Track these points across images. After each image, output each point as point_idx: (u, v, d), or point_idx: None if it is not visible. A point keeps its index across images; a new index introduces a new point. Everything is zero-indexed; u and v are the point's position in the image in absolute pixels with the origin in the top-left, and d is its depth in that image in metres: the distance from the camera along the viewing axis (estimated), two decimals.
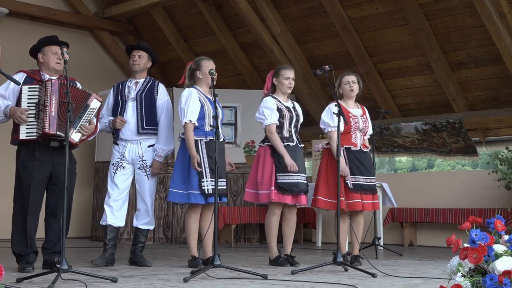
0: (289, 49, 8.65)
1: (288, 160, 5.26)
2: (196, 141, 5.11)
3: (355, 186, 5.43)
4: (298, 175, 5.33)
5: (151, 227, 5.55)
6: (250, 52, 9.38)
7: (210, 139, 5.13)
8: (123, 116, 5.44)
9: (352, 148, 5.49)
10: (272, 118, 5.33)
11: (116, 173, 5.42)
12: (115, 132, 5.50)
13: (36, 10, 9.08)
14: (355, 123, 5.50)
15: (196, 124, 5.12)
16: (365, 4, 7.86)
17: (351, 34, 8.11)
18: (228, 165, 5.37)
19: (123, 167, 5.43)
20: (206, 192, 5.05)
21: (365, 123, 5.59)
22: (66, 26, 9.60)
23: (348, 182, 5.40)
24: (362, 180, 5.47)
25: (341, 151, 5.33)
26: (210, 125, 5.07)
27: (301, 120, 5.57)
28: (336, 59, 8.39)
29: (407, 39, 7.88)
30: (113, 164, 5.45)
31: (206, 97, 5.23)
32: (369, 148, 5.69)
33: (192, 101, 5.11)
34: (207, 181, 5.07)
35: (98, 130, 5.12)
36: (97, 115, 4.99)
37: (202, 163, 5.07)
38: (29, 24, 9.23)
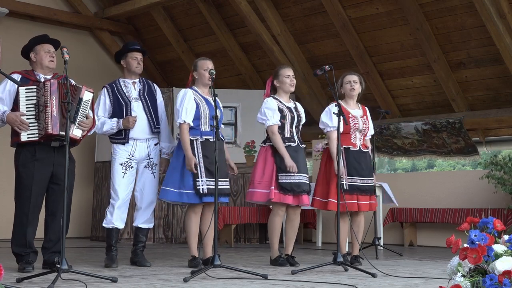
0: (289, 49, 8.65)
1: (289, 161, 5.24)
2: (191, 141, 5.11)
3: (351, 187, 5.41)
4: (300, 175, 5.32)
5: (151, 225, 5.54)
6: (250, 52, 9.38)
7: (205, 139, 5.13)
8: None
9: (351, 149, 5.48)
10: (273, 119, 5.32)
11: (125, 173, 5.34)
12: (123, 132, 5.38)
13: (36, 10, 9.08)
14: (355, 123, 5.49)
15: (192, 124, 5.13)
16: (365, 4, 7.86)
17: (351, 34, 8.11)
18: (229, 168, 5.37)
19: (131, 167, 5.37)
20: (201, 192, 5.04)
21: (365, 124, 5.58)
22: (66, 26, 9.61)
23: (344, 183, 5.38)
24: (359, 181, 5.45)
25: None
26: (211, 125, 5.07)
27: (303, 120, 5.56)
28: (336, 59, 8.39)
29: (407, 39, 7.88)
30: (121, 164, 5.33)
31: (203, 97, 5.23)
32: (369, 148, 5.68)
33: (187, 102, 5.12)
34: (202, 180, 5.06)
35: (96, 122, 5.11)
36: (92, 108, 4.94)
37: (198, 162, 5.08)
38: (29, 24, 9.23)
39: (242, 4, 8.35)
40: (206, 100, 5.21)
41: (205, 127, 5.15)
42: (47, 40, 5.00)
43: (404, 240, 8.02)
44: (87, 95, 4.81)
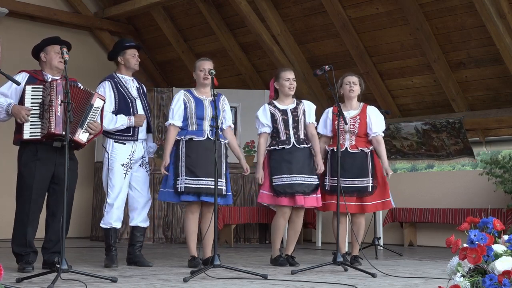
0: (289, 49, 8.65)
1: (257, 173, 5.41)
2: (178, 140, 5.19)
3: (332, 188, 5.41)
4: (293, 176, 5.30)
5: (148, 223, 5.55)
6: (250, 52, 9.38)
7: (189, 138, 5.17)
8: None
9: (335, 150, 5.39)
10: (260, 128, 5.47)
11: (127, 174, 5.32)
12: (131, 130, 5.33)
13: (36, 10, 9.08)
14: (340, 125, 5.38)
15: (180, 125, 5.20)
16: (365, 4, 7.86)
17: (351, 34, 8.11)
18: (245, 169, 5.43)
19: (131, 167, 5.37)
20: (179, 190, 5.08)
21: (354, 124, 5.53)
22: (66, 26, 9.60)
23: (327, 184, 5.46)
24: (340, 181, 5.37)
25: (322, 153, 5.50)
26: (210, 125, 5.09)
27: (303, 120, 5.47)
28: (336, 59, 8.39)
29: (407, 39, 7.88)
30: (122, 165, 5.29)
31: (196, 98, 5.26)
32: (365, 149, 5.55)
33: (174, 104, 5.25)
34: (181, 179, 5.09)
35: (103, 128, 5.11)
36: (101, 114, 4.97)
37: (180, 161, 5.12)
38: (29, 24, 9.23)
39: (242, 4, 8.35)
40: (197, 101, 5.23)
41: (193, 127, 5.20)
42: (59, 42, 5.03)
43: (404, 240, 8.01)
44: (98, 102, 4.86)
